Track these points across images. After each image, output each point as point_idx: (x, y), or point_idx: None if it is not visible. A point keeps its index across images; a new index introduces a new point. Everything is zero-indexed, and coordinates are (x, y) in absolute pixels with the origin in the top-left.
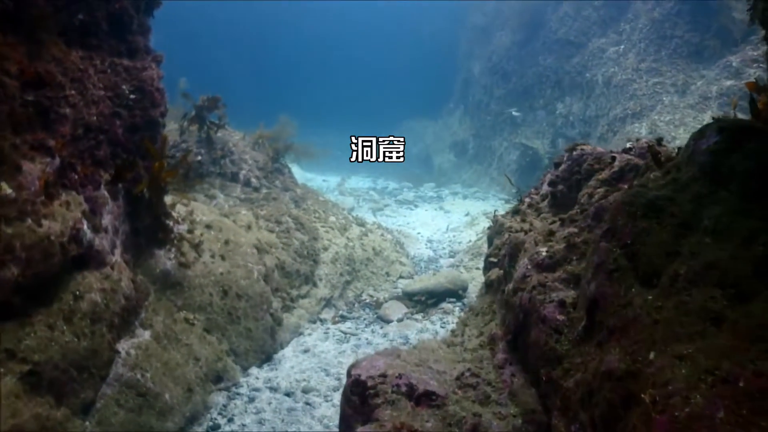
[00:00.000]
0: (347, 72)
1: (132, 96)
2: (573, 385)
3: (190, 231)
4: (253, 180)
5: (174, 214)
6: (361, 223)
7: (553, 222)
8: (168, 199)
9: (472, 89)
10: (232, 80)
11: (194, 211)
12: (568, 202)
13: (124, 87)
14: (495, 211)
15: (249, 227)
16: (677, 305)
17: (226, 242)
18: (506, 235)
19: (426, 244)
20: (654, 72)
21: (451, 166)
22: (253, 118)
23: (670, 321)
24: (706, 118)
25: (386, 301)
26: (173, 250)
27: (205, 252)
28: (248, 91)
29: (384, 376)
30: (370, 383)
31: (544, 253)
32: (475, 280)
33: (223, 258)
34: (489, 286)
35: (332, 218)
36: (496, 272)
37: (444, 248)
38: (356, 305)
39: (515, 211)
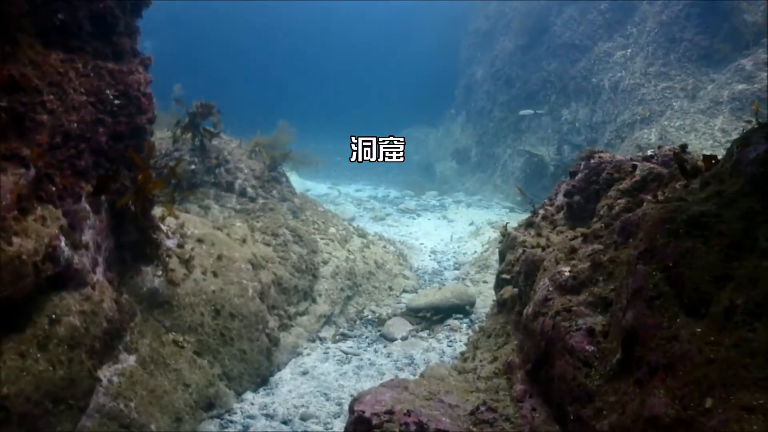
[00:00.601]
0: (346, 78)
1: (117, 101)
2: (608, 429)
3: (180, 245)
4: (249, 190)
5: (163, 227)
6: (363, 234)
7: (574, 237)
8: (158, 210)
9: (474, 95)
10: (230, 86)
11: (185, 224)
12: (586, 214)
13: (108, 92)
14: (506, 224)
15: (244, 241)
16: (738, 342)
17: (219, 257)
18: (520, 251)
19: (430, 256)
20: (663, 76)
21: (453, 173)
22: (251, 124)
23: (730, 361)
24: (718, 124)
25: (389, 318)
26: (161, 266)
27: (196, 268)
28: (246, 97)
29: (391, 412)
30: (375, 421)
31: (567, 273)
32: (483, 294)
33: (215, 274)
34: (502, 306)
35: (332, 229)
36: (509, 291)
37: (448, 260)
38: (358, 322)
39: (528, 224)
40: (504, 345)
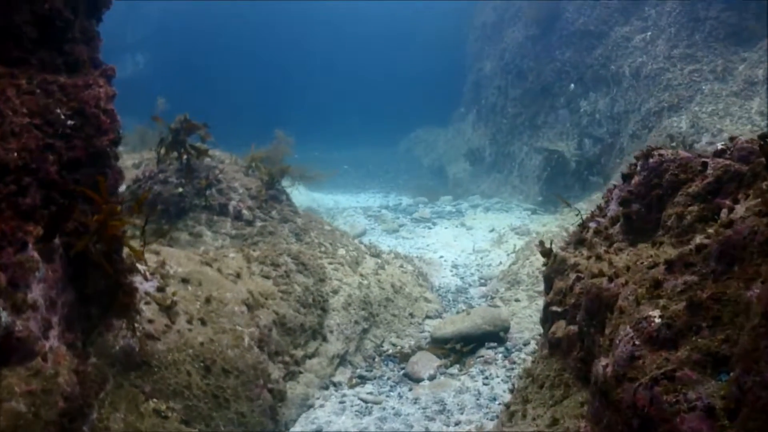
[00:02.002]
0: (349, 82)
1: (70, 122)
2: None
3: (160, 289)
4: (245, 212)
5: (141, 267)
6: (376, 254)
7: (653, 264)
8: (135, 243)
9: (484, 91)
10: (226, 94)
11: (167, 261)
12: (648, 226)
13: (58, 111)
14: (551, 241)
15: (238, 275)
16: None
17: (208, 300)
18: (572, 276)
19: (451, 270)
20: (689, 59)
21: (467, 175)
22: (249, 134)
23: None
24: (755, 106)
25: (413, 352)
26: (138, 317)
27: (180, 316)
28: (244, 105)
29: None
30: None
31: (657, 320)
32: (516, 316)
33: (203, 322)
34: (555, 346)
35: (341, 251)
36: (563, 329)
37: (472, 274)
38: (377, 359)
39: (579, 241)
40: (563, 400)
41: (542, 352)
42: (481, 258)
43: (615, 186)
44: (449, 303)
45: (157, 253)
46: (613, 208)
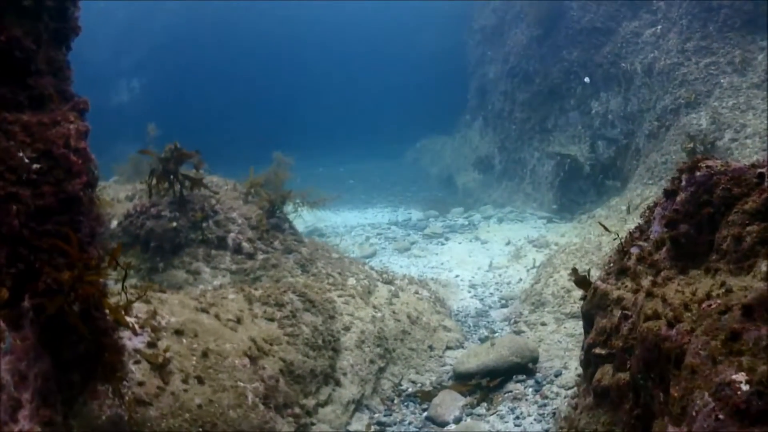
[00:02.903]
0: (350, 94)
1: (36, 166)
2: None
3: (151, 344)
4: (245, 245)
5: (130, 320)
6: (389, 280)
7: (726, 309)
8: (124, 284)
9: (489, 97)
10: (225, 116)
11: (158, 311)
12: (700, 249)
13: (21, 154)
14: (588, 271)
15: (239, 321)
16: None
17: (205, 354)
18: (617, 313)
19: (469, 291)
20: (704, 51)
21: (477, 185)
22: (252, 156)
23: None
24: None
25: (435, 390)
26: (126, 380)
27: (174, 375)
28: (242, 126)
29: None
30: None
31: (743, 386)
32: (544, 343)
33: (200, 380)
34: (601, 396)
35: (351, 281)
36: (610, 375)
37: (492, 294)
38: (396, 400)
39: (620, 271)
40: None
41: (585, 400)
42: (500, 276)
43: (656, 204)
44: (470, 329)
45: (148, 302)
46: (657, 230)
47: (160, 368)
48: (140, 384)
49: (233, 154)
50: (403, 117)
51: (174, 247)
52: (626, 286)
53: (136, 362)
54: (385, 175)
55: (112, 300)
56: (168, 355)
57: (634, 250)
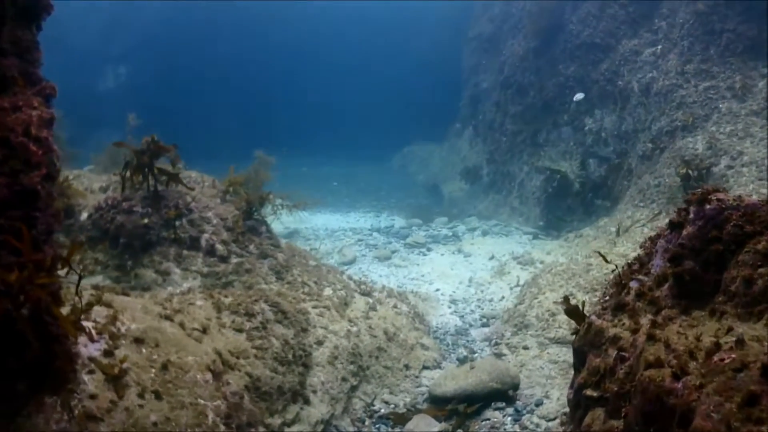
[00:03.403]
0: (340, 94)
1: None
2: None
3: (108, 352)
4: (219, 247)
5: (87, 324)
6: (367, 292)
7: (742, 366)
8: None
9: (481, 107)
10: (212, 108)
11: (119, 316)
12: (705, 289)
13: None
14: (582, 303)
15: (205, 330)
16: None
17: (165, 367)
18: (612, 353)
19: (449, 306)
20: (704, 75)
21: (463, 195)
22: (236, 152)
23: None
24: None
25: (409, 413)
26: (77, 391)
27: (130, 389)
28: (230, 120)
29: None
30: None
31: None
32: (526, 368)
33: (158, 396)
34: None
35: (328, 291)
36: (601, 421)
37: (473, 311)
38: (367, 422)
39: (618, 307)
40: None
41: None
42: (482, 292)
43: (658, 235)
44: (448, 347)
45: (109, 305)
46: (659, 264)
47: (115, 380)
48: (92, 397)
49: (217, 149)
50: (393, 122)
51: (144, 244)
52: (624, 324)
53: (90, 372)
54: (370, 179)
55: (69, 303)
56: (125, 365)
57: (634, 285)
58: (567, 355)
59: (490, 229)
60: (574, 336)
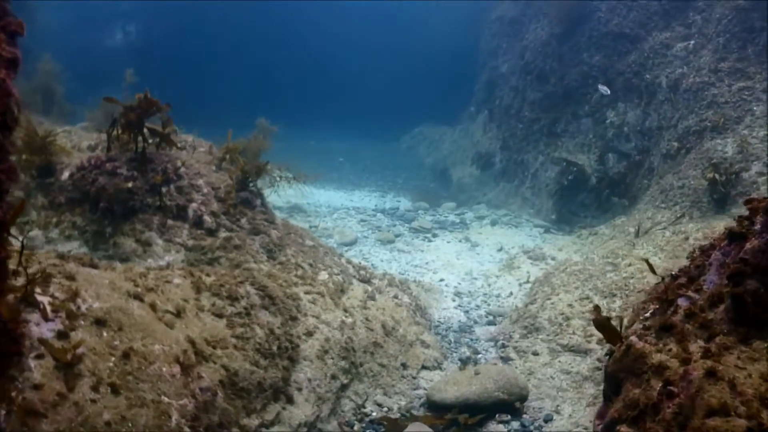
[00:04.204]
0: (354, 69)
1: None
2: None
3: (63, 334)
4: (207, 218)
5: (43, 299)
6: (366, 278)
7: None
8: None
9: (498, 91)
10: (222, 75)
11: (80, 291)
12: None
13: None
14: (620, 319)
15: (179, 314)
16: None
17: (126, 355)
18: (656, 385)
19: (453, 299)
20: (739, 74)
21: (473, 181)
22: (243, 121)
23: None
24: None
25: (403, 418)
26: (20, 381)
27: (83, 379)
28: (240, 88)
29: None
30: None
31: None
32: (535, 377)
33: (115, 390)
34: None
35: (323, 275)
36: None
37: (478, 306)
38: (356, 427)
39: (663, 327)
40: None
41: None
42: (489, 286)
43: (712, 246)
44: (450, 345)
45: (71, 278)
46: (713, 280)
47: (67, 368)
48: (37, 387)
49: (223, 116)
50: (404, 101)
51: (126, 210)
52: (671, 350)
53: (38, 356)
54: (378, 157)
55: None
56: (79, 351)
57: (683, 303)
58: (581, 365)
59: (500, 218)
60: (607, 357)
